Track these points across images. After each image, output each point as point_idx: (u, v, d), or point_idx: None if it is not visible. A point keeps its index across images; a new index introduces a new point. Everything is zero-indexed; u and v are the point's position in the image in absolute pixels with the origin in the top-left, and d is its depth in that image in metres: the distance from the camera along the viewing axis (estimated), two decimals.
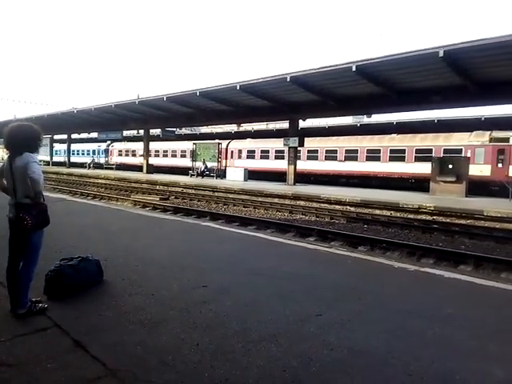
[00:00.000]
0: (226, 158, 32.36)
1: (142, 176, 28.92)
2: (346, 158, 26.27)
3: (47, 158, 46.02)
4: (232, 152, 32.65)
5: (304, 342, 2.98)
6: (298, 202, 16.20)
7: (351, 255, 6.06)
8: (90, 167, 39.82)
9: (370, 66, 15.11)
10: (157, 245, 6.18)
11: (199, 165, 29.72)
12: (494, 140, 21.00)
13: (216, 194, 19.22)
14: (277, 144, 28.54)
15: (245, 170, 26.63)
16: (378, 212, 13.92)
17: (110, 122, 34.02)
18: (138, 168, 35.76)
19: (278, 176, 26.56)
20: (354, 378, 2.53)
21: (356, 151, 25.89)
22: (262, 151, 30.57)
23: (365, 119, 27.79)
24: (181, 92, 22.81)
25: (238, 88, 19.44)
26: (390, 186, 23.19)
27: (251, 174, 27.16)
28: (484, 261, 7.35)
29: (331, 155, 27.04)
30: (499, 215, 12.27)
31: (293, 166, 23.35)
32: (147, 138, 33.44)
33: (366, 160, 25.32)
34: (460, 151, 21.45)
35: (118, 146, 44.09)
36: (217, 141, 31.52)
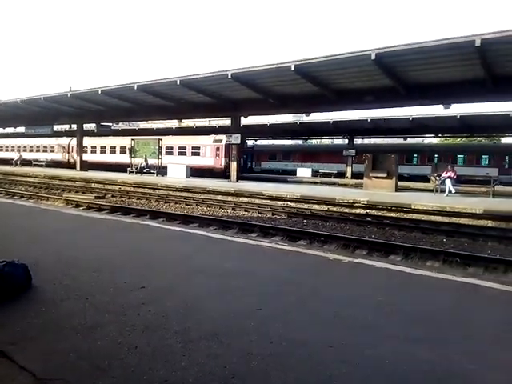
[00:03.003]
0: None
1: (75, 173, 27.30)
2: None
3: None
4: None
5: (244, 338, 3.02)
6: (241, 199, 16.30)
7: (291, 249, 6.23)
8: (16, 164, 36.76)
9: (307, 65, 15.55)
10: (92, 246, 5.88)
11: (138, 161, 28.71)
12: (215, 141, 29.94)
13: (157, 191, 18.69)
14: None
15: (187, 166, 26.17)
16: (316, 207, 14.44)
17: (39, 116, 31.66)
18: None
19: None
20: (293, 369, 2.60)
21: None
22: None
23: (304, 118, 28.79)
24: (117, 85, 21.78)
25: (178, 83, 19.01)
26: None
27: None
28: (412, 251, 7.91)
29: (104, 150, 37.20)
30: (425, 208, 13.29)
31: (235, 163, 23.38)
32: (81, 133, 31.74)
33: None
34: (199, 148, 30.84)
35: None
36: (156, 137, 30.66)
